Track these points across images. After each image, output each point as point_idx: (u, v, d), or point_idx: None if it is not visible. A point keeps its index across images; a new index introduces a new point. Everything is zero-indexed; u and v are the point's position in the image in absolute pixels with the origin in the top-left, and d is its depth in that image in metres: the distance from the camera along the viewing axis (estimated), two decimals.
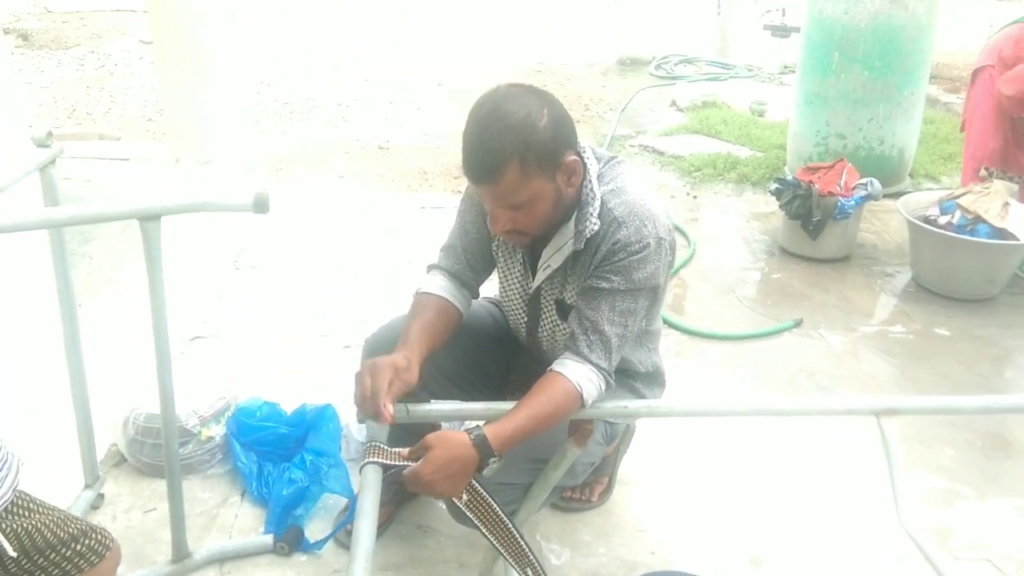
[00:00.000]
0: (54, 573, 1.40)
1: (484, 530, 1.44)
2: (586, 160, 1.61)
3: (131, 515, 2.18)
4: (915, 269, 3.57)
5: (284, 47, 8.19)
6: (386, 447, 1.36)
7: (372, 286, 3.36)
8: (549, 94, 1.52)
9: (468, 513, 1.42)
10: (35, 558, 1.37)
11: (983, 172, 3.64)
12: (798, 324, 3.19)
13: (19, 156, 1.83)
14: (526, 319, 1.84)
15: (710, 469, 2.39)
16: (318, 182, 4.74)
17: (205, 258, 3.32)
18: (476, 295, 1.82)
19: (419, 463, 1.35)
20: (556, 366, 1.54)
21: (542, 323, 1.80)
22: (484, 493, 1.43)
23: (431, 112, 6.31)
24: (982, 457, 2.47)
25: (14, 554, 1.33)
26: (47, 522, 1.40)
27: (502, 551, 1.46)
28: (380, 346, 1.76)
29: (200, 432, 2.30)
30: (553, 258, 1.66)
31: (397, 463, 1.36)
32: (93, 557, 1.44)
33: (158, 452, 2.24)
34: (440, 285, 1.74)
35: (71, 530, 1.42)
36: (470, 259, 1.77)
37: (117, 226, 3.06)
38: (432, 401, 1.51)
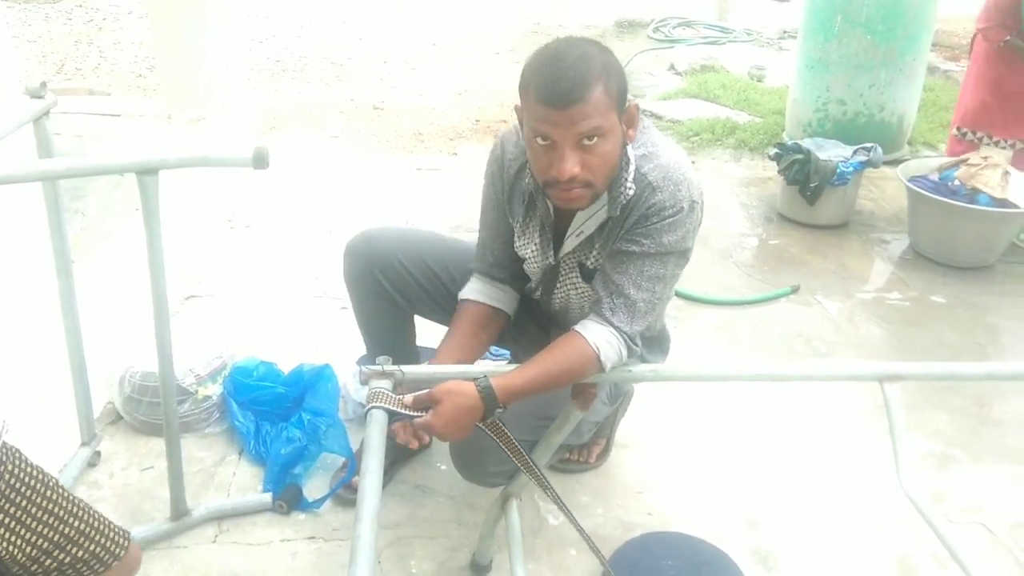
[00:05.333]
0: None
1: (506, 449, 1.45)
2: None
3: (128, 472, 2.17)
4: (912, 236, 3.56)
5: (275, 4, 8.03)
6: (390, 393, 1.36)
7: None
8: None
9: (487, 432, 1.43)
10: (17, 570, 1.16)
11: (955, 132, 3.64)
12: (795, 290, 3.19)
13: (11, 108, 1.79)
14: (542, 282, 1.83)
15: (707, 432, 2.40)
16: (312, 141, 4.67)
17: (199, 217, 3.28)
18: (515, 286, 1.81)
19: (429, 416, 1.36)
20: (577, 327, 1.53)
21: (558, 286, 1.78)
22: (499, 423, 1.44)
23: (426, 72, 6.22)
24: (976, 423, 2.49)
25: None
26: (32, 528, 1.16)
27: (524, 469, 1.48)
28: (357, 249, 1.91)
29: (197, 391, 2.28)
30: (587, 224, 1.62)
31: (401, 411, 1.36)
32: (96, 564, 1.21)
33: (154, 410, 2.23)
34: (473, 288, 1.77)
35: (67, 531, 1.19)
36: (496, 254, 1.77)
37: (109, 183, 3.00)
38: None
